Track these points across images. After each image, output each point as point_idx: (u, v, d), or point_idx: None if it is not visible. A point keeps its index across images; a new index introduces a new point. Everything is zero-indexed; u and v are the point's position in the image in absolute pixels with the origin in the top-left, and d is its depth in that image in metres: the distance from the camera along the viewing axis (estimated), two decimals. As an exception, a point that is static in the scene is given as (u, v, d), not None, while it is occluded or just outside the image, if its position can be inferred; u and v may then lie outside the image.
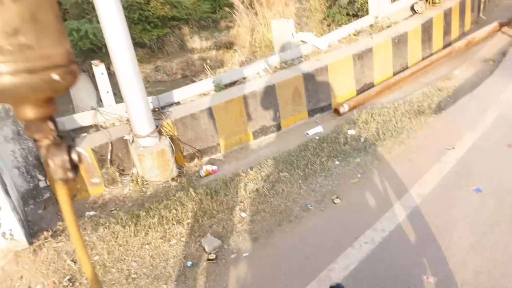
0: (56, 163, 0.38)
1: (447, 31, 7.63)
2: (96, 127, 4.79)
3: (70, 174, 0.39)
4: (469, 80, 6.32)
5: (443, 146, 4.53)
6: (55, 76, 0.32)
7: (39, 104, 0.35)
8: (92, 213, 4.30)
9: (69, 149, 0.39)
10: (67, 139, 0.39)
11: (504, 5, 9.60)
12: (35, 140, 0.38)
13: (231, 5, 10.79)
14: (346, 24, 10.13)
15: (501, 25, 8.08)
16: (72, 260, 3.50)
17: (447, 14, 7.49)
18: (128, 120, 4.72)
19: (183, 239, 3.66)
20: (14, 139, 4.17)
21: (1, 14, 0.28)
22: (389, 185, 4.03)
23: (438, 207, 3.62)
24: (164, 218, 3.86)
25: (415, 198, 3.78)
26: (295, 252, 3.36)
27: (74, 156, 0.39)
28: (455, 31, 7.88)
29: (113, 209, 4.34)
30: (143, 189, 4.59)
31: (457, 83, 6.26)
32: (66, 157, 0.38)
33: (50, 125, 0.37)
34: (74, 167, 0.39)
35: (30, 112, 0.35)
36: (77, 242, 0.47)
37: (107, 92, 4.83)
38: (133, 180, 4.69)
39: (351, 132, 5.06)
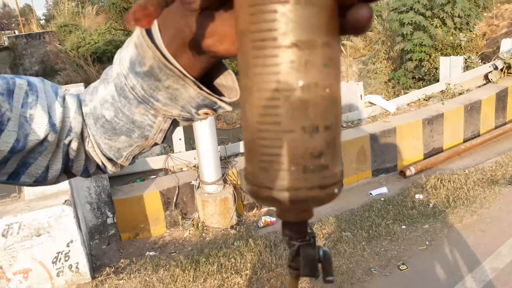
0: (307, 261, 0.41)
1: (522, 101, 7.36)
2: (166, 171, 4.99)
3: (317, 273, 0.42)
4: (548, 152, 5.97)
5: (520, 219, 4.24)
6: (336, 190, 0.37)
7: (305, 210, 0.39)
8: (152, 253, 4.38)
9: (318, 248, 0.43)
10: (315, 238, 0.42)
11: None
12: (290, 239, 0.42)
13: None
14: (411, 86, 10.07)
15: None
16: (131, 299, 3.55)
17: (523, 84, 7.26)
18: (195, 166, 4.88)
19: (240, 290, 3.61)
20: (91, 177, 4.42)
21: (313, 141, 0.34)
22: (460, 255, 3.79)
23: (515, 284, 3.33)
24: (223, 267, 3.85)
25: (489, 272, 3.51)
26: (357, 317, 3.20)
27: (321, 254, 0.43)
28: (531, 102, 7.58)
29: (173, 251, 4.40)
30: (203, 234, 4.64)
31: (533, 153, 5.92)
32: (316, 256, 0.42)
33: (307, 226, 0.41)
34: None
35: (294, 216, 0.39)
36: None
37: (180, 139, 5.07)
38: (193, 225, 4.77)
39: (419, 196, 4.88)
